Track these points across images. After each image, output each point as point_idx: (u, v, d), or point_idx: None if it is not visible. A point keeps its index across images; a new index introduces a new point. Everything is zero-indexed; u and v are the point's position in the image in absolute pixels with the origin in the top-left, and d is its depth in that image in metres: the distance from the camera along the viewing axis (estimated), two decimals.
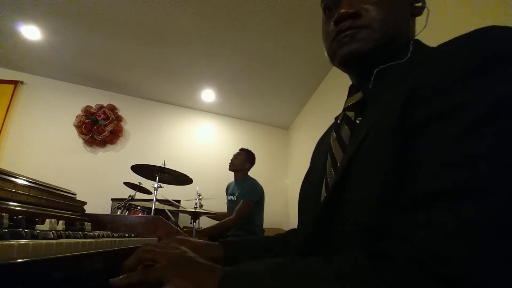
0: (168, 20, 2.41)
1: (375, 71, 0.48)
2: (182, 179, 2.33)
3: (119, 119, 3.81)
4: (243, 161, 2.65)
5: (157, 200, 2.13)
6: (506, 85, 0.30)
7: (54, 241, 0.42)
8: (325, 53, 0.55)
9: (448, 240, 0.27)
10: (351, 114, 0.52)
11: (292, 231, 0.74)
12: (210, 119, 4.11)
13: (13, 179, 0.66)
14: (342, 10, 0.48)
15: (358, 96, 0.52)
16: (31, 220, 0.57)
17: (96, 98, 3.78)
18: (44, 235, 0.43)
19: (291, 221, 3.81)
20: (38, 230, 0.44)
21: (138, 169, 2.22)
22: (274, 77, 3.05)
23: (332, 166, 0.50)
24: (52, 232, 0.45)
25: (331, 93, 2.77)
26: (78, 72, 3.51)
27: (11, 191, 0.64)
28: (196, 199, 2.55)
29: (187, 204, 2.98)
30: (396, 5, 0.49)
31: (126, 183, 2.58)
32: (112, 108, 3.80)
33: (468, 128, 0.30)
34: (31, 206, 0.70)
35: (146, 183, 2.44)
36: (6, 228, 0.39)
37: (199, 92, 3.58)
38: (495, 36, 0.34)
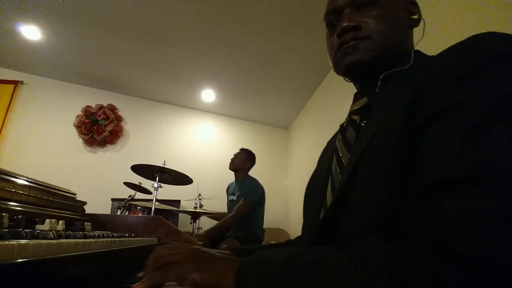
0: (168, 20, 2.41)
1: (381, 76, 0.51)
2: (182, 179, 2.33)
3: (119, 119, 3.82)
4: (243, 160, 2.66)
5: (157, 200, 2.13)
6: (509, 83, 0.32)
7: (54, 241, 0.42)
8: (330, 64, 0.59)
9: (468, 222, 0.28)
10: (356, 117, 0.55)
11: (301, 237, 0.75)
12: (210, 119, 4.11)
13: (13, 179, 0.66)
14: (344, 24, 0.52)
15: (363, 101, 0.54)
16: (31, 220, 0.57)
17: (96, 98, 3.79)
18: (44, 235, 0.43)
19: (291, 221, 3.81)
20: (38, 230, 0.44)
21: (138, 169, 2.22)
22: (274, 77, 3.05)
23: (338, 167, 0.52)
24: (52, 232, 0.45)
25: (331, 93, 2.77)
26: (78, 72, 3.51)
27: (11, 191, 0.64)
28: (196, 199, 2.56)
29: (187, 204, 2.98)
30: (394, 18, 0.53)
31: (126, 183, 2.59)
32: (112, 108, 3.80)
33: (476, 122, 0.31)
34: (31, 206, 0.70)
35: (146, 183, 2.45)
36: (6, 228, 0.39)
37: (199, 92, 3.59)
38: (494, 39, 0.36)
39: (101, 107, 3.76)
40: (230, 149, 3.23)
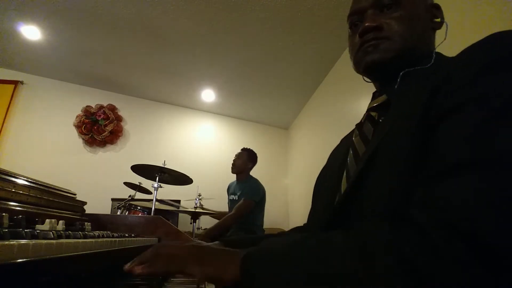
0: (168, 20, 2.41)
1: (401, 73, 0.53)
2: (182, 179, 2.33)
3: (119, 119, 3.82)
4: (245, 161, 2.65)
5: (157, 200, 2.13)
6: None
7: (54, 241, 0.42)
8: (351, 63, 0.61)
9: (473, 204, 0.28)
10: (374, 114, 0.56)
11: (296, 229, 0.75)
12: (210, 119, 4.11)
13: (13, 179, 0.66)
14: (367, 24, 0.54)
15: (382, 98, 0.56)
16: (31, 220, 0.57)
17: (96, 98, 3.79)
18: (44, 235, 0.43)
19: (291, 221, 3.81)
20: (38, 230, 0.44)
21: (138, 169, 2.22)
22: (274, 77, 3.05)
23: (354, 158, 0.53)
24: (52, 232, 0.45)
25: (331, 93, 2.77)
26: (78, 72, 3.51)
27: (11, 191, 0.64)
28: (196, 199, 2.56)
29: (187, 204, 2.98)
30: (416, 20, 0.54)
31: (126, 183, 2.59)
32: (112, 108, 3.80)
33: (488, 114, 0.33)
34: (31, 206, 0.70)
35: (146, 183, 2.44)
36: (6, 228, 0.39)
37: (199, 92, 3.59)
38: (510, 37, 0.38)
39: (101, 107, 3.76)
40: (230, 149, 3.23)
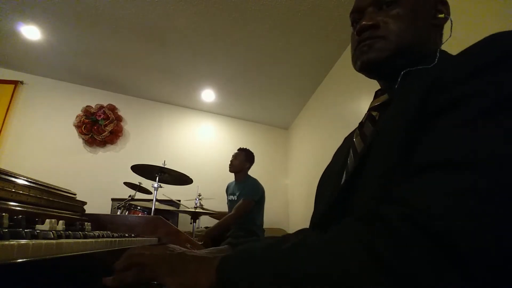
0: (168, 20, 2.41)
1: (402, 73, 0.52)
2: (182, 179, 2.33)
3: (119, 119, 3.82)
4: (242, 161, 2.65)
5: (157, 200, 2.13)
6: None
7: (54, 241, 0.42)
8: (351, 61, 0.61)
9: (440, 200, 0.29)
10: (375, 113, 0.56)
11: (300, 231, 0.75)
12: (210, 119, 4.11)
13: (13, 179, 0.66)
14: (363, 22, 0.54)
15: (383, 97, 0.56)
16: (31, 220, 0.57)
17: (96, 98, 3.78)
18: (44, 235, 0.43)
19: (291, 221, 3.81)
20: (38, 230, 0.44)
21: (138, 169, 2.22)
22: (274, 77, 3.05)
23: (353, 156, 0.54)
24: (52, 232, 0.45)
25: (331, 93, 2.77)
26: (78, 72, 3.51)
27: (11, 191, 0.64)
28: (196, 199, 2.56)
29: (187, 204, 2.98)
30: (416, 17, 0.53)
31: (126, 183, 2.58)
32: (112, 108, 3.80)
33: (473, 115, 0.32)
34: (31, 206, 0.70)
35: (146, 183, 2.44)
36: (6, 228, 0.39)
37: (199, 92, 3.59)
38: (509, 37, 0.37)
39: (101, 107, 3.76)
40: (230, 149, 3.23)
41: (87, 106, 3.71)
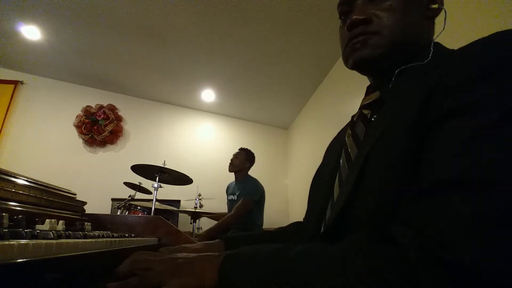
0: (168, 20, 2.41)
1: (396, 71, 0.49)
2: (182, 179, 2.33)
3: (119, 119, 3.82)
4: (242, 161, 2.65)
5: (157, 200, 2.13)
6: None
7: (54, 241, 0.42)
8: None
9: (455, 228, 0.27)
10: (367, 112, 0.53)
11: (294, 224, 0.74)
12: (210, 119, 4.11)
13: (13, 179, 0.66)
14: (354, 17, 0.49)
15: (375, 95, 0.53)
16: (31, 220, 0.57)
17: (96, 98, 3.79)
18: (44, 235, 0.43)
19: (291, 220, 3.79)
20: (38, 230, 0.44)
21: (138, 169, 2.22)
22: (274, 77, 3.05)
23: (346, 162, 0.51)
24: (52, 232, 0.45)
25: (331, 93, 2.77)
26: (78, 72, 3.51)
27: (11, 191, 0.64)
28: (196, 199, 2.56)
29: (187, 204, 2.98)
30: (409, 10, 0.49)
31: (126, 183, 2.58)
32: (112, 108, 3.80)
33: (482, 125, 0.31)
34: (31, 206, 0.69)
35: (146, 183, 2.44)
36: (6, 228, 0.39)
37: (199, 92, 3.59)
38: None
39: (101, 107, 3.76)
40: (230, 149, 3.23)
41: (87, 106, 3.71)
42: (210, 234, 2.36)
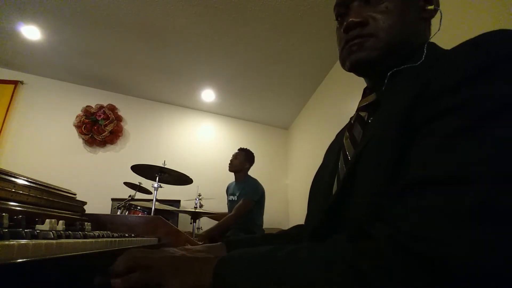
0: (168, 20, 2.41)
1: (389, 73, 0.49)
2: (182, 179, 2.33)
3: (119, 119, 3.82)
4: (242, 161, 2.65)
5: (157, 200, 2.13)
6: (509, 86, 0.32)
7: (54, 241, 0.42)
8: (333, 62, 0.57)
9: (425, 221, 0.28)
10: (364, 114, 0.54)
11: (296, 227, 0.75)
12: (210, 119, 4.11)
13: (13, 179, 0.66)
14: (351, 19, 0.50)
15: (371, 97, 0.54)
16: (31, 220, 0.57)
17: (96, 98, 3.78)
18: (44, 235, 0.43)
19: (291, 221, 3.81)
20: (38, 230, 0.44)
21: (138, 169, 2.22)
22: (274, 77, 3.05)
23: (344, 164, 0.52)
24: (52, 232, 0.45)
25: (332, 93, 2.77)
26: (78, 72, 3.51)
27: (11, 191, 0.64)
28: (196, 199, 2.56)
29: (187, 204, 2.98)
30: (405, 12, 0.49)
31: (126, 183, 2.58)
32: (112, 108, 3.80)
33: (462, 125, 0.31)
34: (31, 206, 0.70)
35: (146, 183, 2.44)
36: (6, 228, 0.39)
37: (199, 92, 3.59)
38: (503, 39, 0.35)
39: (101, 107, 3.76)
40: (230, 149, 3.23)
41: (87, 106, 3.71)
42: (210, 234, 2.37)
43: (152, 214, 2.06)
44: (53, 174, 3.30)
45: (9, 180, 0.65)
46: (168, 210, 2.69)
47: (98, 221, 1.12)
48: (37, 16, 2.59)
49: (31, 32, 2.79)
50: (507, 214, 0.26)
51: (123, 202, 2.29)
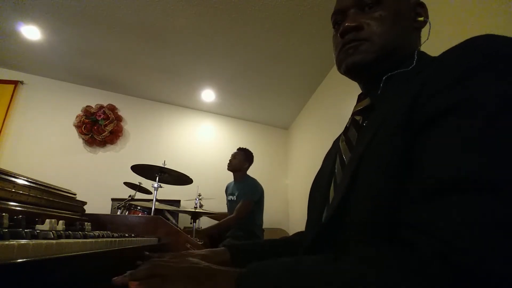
0: (168, 20, 2.41)
1: (384, 78, 0.52)
2: (182, 179, 2.33)
3: (119, 119, 3.82)
4: (241, 160, 2.65)
5: (157, 200, 2.13)
6: (506, 83, 0.32)
7: (54, 241, 0.42)
8: (334, 62, 0.60)
9: (474, 233, 0.27)
10: (358, 118, 0.56)
11: (298, 234, 0.75)
12: (210, 119, 4.11)
13: (13, 179, 0.66)
14: (347, 24, 0.53)
15: (366, 101, 0.55)
16: (31, 220, 0.57)
17: (96, 98, 3.78)
18: (44, 235, 0.43)
19: (291, 221, 3.81)
20: (38, 230, 0.44)
21: (138, 169, 2.22)
22: (274, 77, 3.05)
23: (340, 166, 0.53)
24: (52, 232, 0.45)
25: (332, 93, 2.77)
26: (78, 72, 3.51)
27: (11, 191, 0.64)
28: (196, 199, 2.56)
29: (187, 204, 2.98)
30: (398, 20, 0.53)
31: (126, 183, 2.58)
32: (112, 108, 3.80)
33: (476, 123, 0.31)
34: (31, 206, 0.70)
35: (146, 183, 2.44)
36: (6, 228, 0.39)
37: (199, 92, 3.59)
38: (491, 41, 0.37)
39: (101, 107, 3.76)
40: (230, 149, 3.23)
41: (87, 106, 3.71)
42: (210, 232, 2.37)
43: (152, 214, 2.06)
44: (53, 174, 3.30)
45: (9, 180, 0.65)
46: (168, 210, 2.69)
47: (98, 221, 1.12)
48: (37, 16, 2.59)
49: (31, 32, 2.79)
50: None
51: (123, 202, 2.29)
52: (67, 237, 0.49)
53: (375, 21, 0.52)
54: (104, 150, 3.77)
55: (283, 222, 3.80)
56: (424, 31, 0.58)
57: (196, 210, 2.41)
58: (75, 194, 0.97)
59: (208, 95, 3.63)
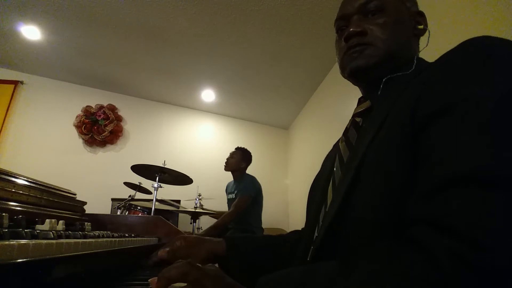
0: (168, 20, 2.41)
1: (384, 80, 0.54)
2: (182, 179, 2.33)
3: (119, 119, 3.82)
4: (238, 160, 2.64)
5: (157, 200, 2.13)
6: (506, 80, 0.33)
7: (54, 241, 0.42)
8: (338, 67, 0.62)
9: (487, 230, 0.26)
10: (359, 119, 0.57)
11: (295, 232, 0.75)
12: (210, 119, 4.11)
13: (13, 179, 0.66)
14: (351, 29, 0.55)
15: (366, 104, 0.57)
16: (31, 220, 0.57)
17: (96, 98, 3.79)
18: (44, 235, 0.43)
19: (291, 221, 3.81)
20: (38, 230, 0.44)
21: (138, 169, 2.22)
22: (274, 77, 3.05)
23: (339, 165, 0.54)
24: (52, 232, 0.45)
25: (331, 93, 2.77)
26: (78, 72, 3.51)
27: (11, 191, 0.64)
28: (196, 199, 2.56)
29: (187, 204, 2.98)
30: (399, 27, 0.56)
31: (126, 183, 2.59)
32: (112, 108, 3.80)
33: (481, 118, 0.32)
34: (31, 206, 0.70)
35: (146, 183, 2.45)
36: (6, 228, 0.39)
37: (199, 92, 3.59)
38: (489, 41, 0.38)
39: (101, 107, 3.76)
40: (230, 149, 3.22)
41: (87, 106, 3.71)
42: (210, 233, 2.37)
43: (152, 214, 2.06)
44: (53, 174, 3.30)
45: (9, 180, 0.65)
46: (168, 210, 2.70)
47: (98, 221, 1.12)
48: (37, 16, 2.60)
49: (31, 32, 2.79)
50: None
51: (123, 202, 2.30)
52: (67, 237, 0.49)
53: (378, 27, 0.54)
54: (104, 150, 3.77)
55: (283, 222, 3.80)
56: (422, 39, 0.61)
57: (196, 210, 2.41)
58: (75, 194, 0.97)
59: (208, 95, 3.63)
